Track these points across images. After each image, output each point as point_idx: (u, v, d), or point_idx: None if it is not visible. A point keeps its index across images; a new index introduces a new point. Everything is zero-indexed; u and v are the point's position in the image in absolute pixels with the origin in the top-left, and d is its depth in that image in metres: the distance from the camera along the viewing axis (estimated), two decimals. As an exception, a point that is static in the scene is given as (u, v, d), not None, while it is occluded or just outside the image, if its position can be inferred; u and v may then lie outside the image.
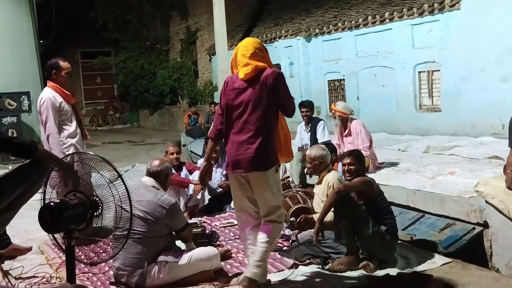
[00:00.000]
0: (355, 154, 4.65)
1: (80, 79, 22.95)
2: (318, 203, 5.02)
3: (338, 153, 6.48)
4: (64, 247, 3.01)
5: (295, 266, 4.30)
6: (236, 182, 3.93)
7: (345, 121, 6.74)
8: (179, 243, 4.35)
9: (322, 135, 7.18)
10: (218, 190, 6.74)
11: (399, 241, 4.60)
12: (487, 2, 8.55)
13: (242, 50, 3.90)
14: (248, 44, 3.95)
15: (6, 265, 4.41)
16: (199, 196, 6.29)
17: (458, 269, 4.22)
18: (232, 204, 6.27)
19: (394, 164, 6.90)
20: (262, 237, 3.78)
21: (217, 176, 6.78)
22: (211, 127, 4.14)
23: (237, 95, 3.82)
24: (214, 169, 6.79)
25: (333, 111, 6.90)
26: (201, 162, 7.00)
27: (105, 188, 3.10)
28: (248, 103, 3.78)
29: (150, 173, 4.22)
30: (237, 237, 5.25)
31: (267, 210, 3.86)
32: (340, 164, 6.28)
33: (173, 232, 4.12)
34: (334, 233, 4.35)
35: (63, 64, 5.05)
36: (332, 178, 4.92)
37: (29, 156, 3.53)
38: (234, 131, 3.83)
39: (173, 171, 6.24)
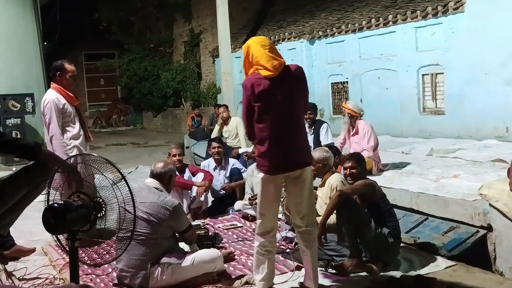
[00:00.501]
0: (356, 157, 4.64)
1: (83, 81, 23.02)
2: (321, 206, 5.01)
3: (341, 155, 6.49)
4: (67, 249, 3.01)
5: (298, 268, 4.29)
6: (273, 186, 3.74)
7: (354, 119, 6.75)
8: (182, 244, 4.36)
9: (325, 138, 7.19)
10: (221, 192, 6.75)
11: (402, 244, 4.59)
12: (491, 5, 8.54)
13: (259, 47, 3.71)
14: (263, 40, 3.79)
15: (10, 266, 4.42)
16: (202, 198, 6.29)
17: (462, 272, 4.21)
18: (235, 206, 6.29)
19: (397, 166, 6.89)
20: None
21: (220, 178, 6.79)
22: (247, 133, 3.86)
23: (269, 95, 3.64)
24: (217, 171, 6.80)
25: (343, 109, 6.90)
26: (204, 164, 7.02)
27: (109, 190, 3.10)
28: (284, 100, 3.67)
29: (153, 175, 4.23)
30: (240, 239, 5.26)
31: (310, 209, 3.88)
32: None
33: (177, 234, 4.12)
34: (337, 236, 4.34)
35: (68, 66, 5.07)
36: (335, 180, 4.91)
37: (33, 157, 3.53)
38: (275, 132, 3.65)
39: (177, 173, 6.26)
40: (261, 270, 3.79)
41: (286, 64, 3.73)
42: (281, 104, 3.66)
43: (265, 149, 3.67)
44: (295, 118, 3.77)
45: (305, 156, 3.81)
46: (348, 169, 4.52)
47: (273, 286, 3.92)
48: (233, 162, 7.00)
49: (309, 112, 7.30)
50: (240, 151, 8.67)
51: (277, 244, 4.82)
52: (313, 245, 3.85)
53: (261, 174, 3.73)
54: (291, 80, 3.74)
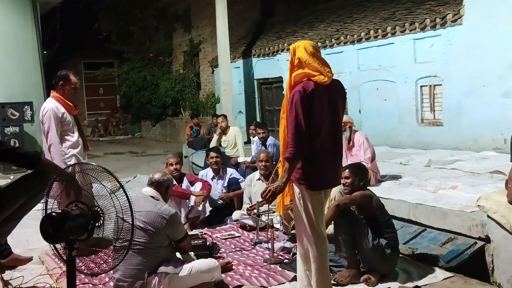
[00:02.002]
0: (352, 167, 4.63)
1: (83, 90, 23.06)
2: (319, 216, 5.01)
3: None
4: (65, 258, 3.00)
5: (296, 279, 4.28)
6: (320, 199, 3.61)
7: (352, 132, 6.75)
8: (178, 254, 4.34)
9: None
10: (219, 202, 6.74)
11: (400, 255, 4.59)
12: (489, 18, 8.60)
13: (311, 49, 3.54)
14: (314, 43, 3.64)
15: (7, 274, 4.41)
16: (200, 208, 6.29)
17: (460, 283, 4.21)
18: (233, 216, 6.28)
19: (395, 177, 6.89)
20: None
21: (218, 188, 6.79)
22: (293, 148, 3.40)
23: (323, 105, 3.47)
24: (215, 181, 6.81)
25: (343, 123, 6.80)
26: (202, 173, 7.02)
27: (107, 199, 3.10)
28: (333, 112, 3.56)
29: (151, 183, 4.24)
30: (238, 249, 5.25)
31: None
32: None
33: (173, 243, 4.12)
34: (335, 246, 4.34)
35: (73, 78, 5.14)
36: (333, 190, 4.90)
37: (32, 166, 3.54)
38: (327, 144, 3.52)
39: (174, 182, 6.25)
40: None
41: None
42: (330, 116, 3.55)
43: (312, 164, 3.49)
44: (339, 132, 3.70)
45: (339, 175, 3.88)
46: (343, 179, 4.52)
47: None
48: (231, 172, 7.01)
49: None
50: (239, 160, 8.69)
51: (275, 254, 4.83)
52: None
53: (306, 191, 3.53)
54: (336, 91, 3.62)
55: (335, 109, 3.60)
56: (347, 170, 4.54)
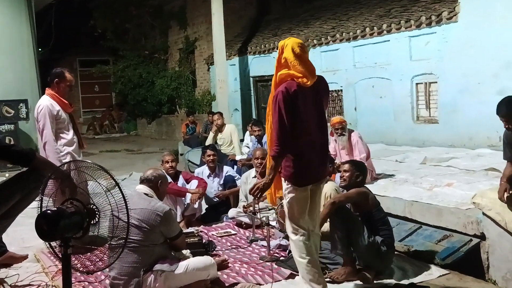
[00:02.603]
0: (352, 162, 4.70)
1: (78, 87, 22.99)
2: (315, 214, 5.01)
3: (335, 163, 6.49)
4: (60, 255, 3.00)
5: (292, 276, 4.29)
6: (307, 196, 3.69)
7: (348, 131, 6.75)
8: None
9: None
10: (215, 200, 6.74)
11: (396, 252, 4.60)
12: (485, 16, 8.61)
13: (298, 50, 3.58)
14: (301, 43, 3.66)
15: (2, 273, 4.40)
16: (196, 205, 6.28)
17: (455, 281, 4.22)
18: (229, 214, 6.28)
19: (391, 175, 6.90)
20: None
21: (214, 185, 6.79)
22: (277, 147, 3.50)
23: (308, 105, 3.57)
24: (211, 178, 6.80)
25: (340, 125, 6.69)
26: (198, 171, 7.02)
27: (102, 197, 3.09)
28: (317, 111, 3.66)
29: (143, 180, 4.23)
30: (234, 246, 5.25)
31: (314, 221, 3.85)
32: (337, 175, 6.31)
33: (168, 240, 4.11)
34: (330, 244, 4.35)
35: (68, 75, 5.12)
36: (329, 188, 4.92)
37: (27, 164, 3.53)
38: (314, 142, 3.63)
39: (170, 180, 6.25)
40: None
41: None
42: (316, 113, 3.64)
43: (299, 163, 3.57)
44: (325, 127, 3.78)
45: (326, 167, 3.97)
46: (342, 172, 4.55)
47: None
48: (227, 170, 7.00)
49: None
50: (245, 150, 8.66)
51: (271, 252, 4.83)
52: None
53: (292, 187, 3.61)
54: (320, 88, 3.70)
55: (321, 106, 3.72)
56: (347, 164, 4.58)
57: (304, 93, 3.53)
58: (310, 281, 3.66)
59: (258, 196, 3.65)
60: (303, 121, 3.56)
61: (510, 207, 4.22)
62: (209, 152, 6.84)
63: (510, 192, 4.19)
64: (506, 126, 4.20)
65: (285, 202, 3.71)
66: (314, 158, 3.65)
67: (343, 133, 6.67)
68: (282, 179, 3.69)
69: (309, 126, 3.60)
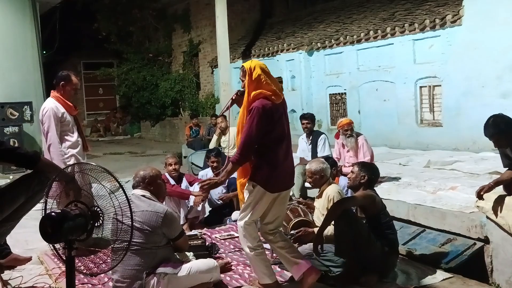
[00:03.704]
0: (360, 164, 4.73)
1: (82, 90, 23.02)
2: (318, 217, 5.02)
3: (338, 166, 6.50)
4: (64, 258, 3.00)
5: (293, 279, 4.28)
6: (270, 201, 3.95)
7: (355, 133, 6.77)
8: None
9: (322, 150, 7.18)
10: (218, 202, 6.74)
11: (399, 256, 4.58)
12: (488, 19, 8.61)
13: (266, 72, 3.92)
14: (264, 65, 3.98)
15: (6, 274, 4.40)
16: (199, 208, 6.28)
17: (459, 284, 4.21)
18: (232, 216, 6.28)
19: (395, 178, 6.90)
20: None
21: (218, 188, 6.77)
22: (238, 155, 3.80)
23: (281, 120, 3.91)
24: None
25: (348, 126, 6.73)
26: (202, 174, 7.02)
27: (106, 199, 3.09)
28: (286, 125, 3.99)
29: (135, 185, 4.18)
30: (237, 249, 5.25)
31: (281, 223, 4.20)
32: (341, 178, 6.31)
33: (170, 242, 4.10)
34: (334, 247, 4.34)
35: (74, 79, 5.15)
36: (332, 191, 4.91)
37: (31, 166, 3.54)
38: (283, 153, 3.92)
39: (173, 182, 6.26)
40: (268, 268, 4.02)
41: None
42: (286, 128, 3.98)
43: (276, 171, 3.86)
44: (290, 138, 4.06)
45: (293, 176, 4.24)
46: (350, 173, 4.63)
47: None
48: (231, 172, 7.00)
49: (306, 122, 7.32)
50: None
51: (274, 255, 4.82)
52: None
53: (262, 192, 3.87)
54: (284, 104, 4.04)
55: (287, 120, 4.05)
56: (355, 166, 4.62)
57: (276, 109, 3.85)
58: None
59: (205, 188, 4.07)
60: (279, 131, 3.88)
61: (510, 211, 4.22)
62: (212, 158, 6.83)
63: (485, 193, 4.31)
64: (496, 146, 4.23)
65: (247, 202, 3.94)
66: (285, 167, 3.96)
67: (352, 134, 6.70)
68: (251, 183, 3.90)
69: (283, 138, 3.92)
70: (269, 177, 3.85)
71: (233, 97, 4.41)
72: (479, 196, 4.33)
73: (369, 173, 4.50)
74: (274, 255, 4.84)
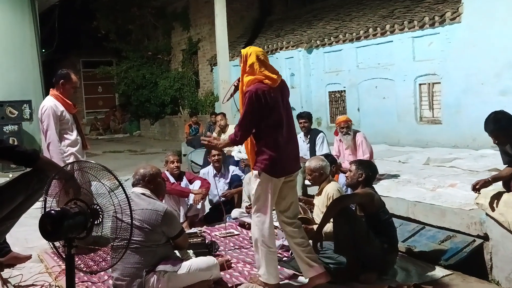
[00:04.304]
0: (358, 162, 4.72)
1: (81, 88, 23.02)
2: (317, 214, 5.02)
3: (337, 164, 6.50)
4: (64, 256, 3.00)
5: (294, 277, 4.29)
6: (278, 187, 3.96)
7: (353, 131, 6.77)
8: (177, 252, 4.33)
9: (320, 148, 7.16)
10: (221, 199, 6.74)
11: (399, 253, 4.59)
12: (488, 16, 8.61)
13: (261, 56, 3.93)
14: (262, 51, 4.01)
15: (6, 273, 4.41)
16: (199, 206, 6.29)
17: (459, 281, 4.21)
18: (232, 214, 6.28)
19: (394, 176, 6.90)
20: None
21: (220, 185, 6.78)
22: (235, 137, 3.92)
23: (277, 104, 3.89)
24: (217, 178, 6.80)
25: (345, 124, 6.74)
26: (203, 171, 7.01)
27: (106, 197, 3.09)
28: (285, 108, 3.97)
29: (135, 183, 4.17)
30: (237, 247, 5.25)
31: (297, 210, 4.20)
32: (340, 175, 6.31)
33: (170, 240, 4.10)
34: (334, 244, 4.34)
35: (74, 77, 5.17)
36: (331, 189, 4.92)
37: (30, 164, 3.53)
38: (283, 138, 3.91)
39: (173, 180, 6.26)
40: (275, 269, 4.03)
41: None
42: (285, 112, 3.95)
43: (277, 155, 3.86)
44: (293, 124, 4.08)
45: (299, 160, 4.24)
46: (348, 172, 4.62)
47: None
48: (233, 169, 7.01)
49: (304, 121, 7.32)
50: (233, 154, 8.53)
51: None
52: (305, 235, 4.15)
53: (267, 177, 3.86)
54: (284, 89, 4.04)
55: (287, 104, 4.05)
56: (352, 164, 4.61)
57: (271, 93, 3.85)
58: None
59: (205, 144, 4.21)
60: (275, 117, 3.87)
61: (510, 208, 4.23)
62: (214, 152, 6.85)
63: (481, 187, 4.33)
64: (495, 142, 4.24)
65: (257, 193, 3.92)
66: (288, 151, 3.95)
67: (348, 132, 6.69)
68: (255, 173, 3.92)
69: (281, 122, 3.91)
70: (272, 162, 3.85)
71: (235, 84, 4.41)
72: (475, 189, 4.35)
73: (367, 171, 4.50)
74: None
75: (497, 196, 4.41)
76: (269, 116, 3.84)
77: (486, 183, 4.32)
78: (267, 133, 3.88)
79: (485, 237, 4.59)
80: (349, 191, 5.23)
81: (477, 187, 4.34)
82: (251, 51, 3.93)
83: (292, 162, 4.02)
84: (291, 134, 4.02)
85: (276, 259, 4.07)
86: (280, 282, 4.17)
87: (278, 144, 3.87)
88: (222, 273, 4.32)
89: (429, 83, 9.91)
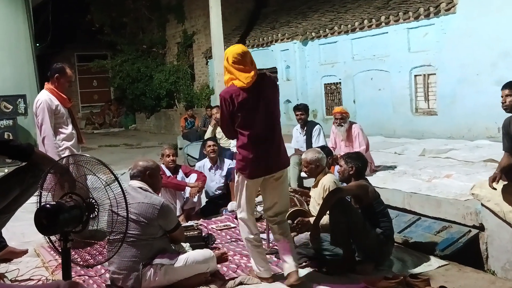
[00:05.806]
0: (345, 156, 4.71)
1: (76, 82, 22.89)
2: (314, 206, 5.03)
3: (334, 156, 6.50)
4: (60, 250, 3.00)
5: (291, 268, 4.29)
6: (254, 187, 4.00)
7: (349, 122, 6.76)
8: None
9: (316, 140, 7.16)
10: (216, 192, 6.74)
11: (395, 244, 4.60)
12: (482, 6, 8.60)
13: (232, 58, 3.91)
14: (237, 49, 3.99)
15: (2, 267, 4.40)
16: (195, 199, 6.29)
17: (454, 271, 4.23)
18: (228, 207, 6.29)
19: (390, 167, 6.92)
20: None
21: (216, 178, 6.78)
22: (226, 135, 4.25)
23: (247, 104, 3.85)
24: (213, 171, 6.80)
25: (341, 115, 6.74)
26: (199, 165, 7.01)
27: (101, 191, 3.09)
28: (261, 107, 3.89)
29: (132, 175, 4.16)
30: (234, 239, 5.26)
31: (285, 207, 4.16)
32: (336, 167, 6.32)
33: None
34: (330, 236, 4.35)
35: (69, 71, 5.14)
36: (328, 181, 4.93)
37: (25, 159, 3.53)
38: (258, 138, 3.88)
39: (169, 174, 6.25)
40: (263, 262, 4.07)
41: (259, 71, 3.96)
42: (263, 110, 3.88)
43: (249, 156, 3.88)
44: (274, 123, 3.99)
45: (284, 159, 4.07)
46: (339, 167, 4.62)
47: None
48: (229, 162, 7.00)
49: (300, 113, 7.31)
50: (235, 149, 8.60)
51: (270, 245, 4.84)
52: (289, 232, 4.17)
53: (242, 178, 3.94)
54: (264, 87, 3.93)
55: (267, 102, 3.94)
56: (341, 160, 4.62)
57: (244, 93, 3.83)
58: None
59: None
60: (246, 117, 3.86)
61: (505, 198, 4.23)
62: (209, 143, 6.85)
63: (499, 182, 4.21)
64: (503, 101, 4.20)
65: (236, 190, 4.04)
66: (263, 151, 3.89)
67: (342, 123, 6.68)
68: (235, 171, 4.02)
69: (254, 122, 3.87)
70: (245, 163, 3.90)
71: None
72: (492, 187, 4.26)
73: (356, 163, 4.51)
74: (270, 244, 4.86)
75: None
76: (239, 117, 3.86)
77: (500, 177, 4.21)
78: (240, 134, 3.92)
79: (481, 227, 4.61)
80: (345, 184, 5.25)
81: (493, 184, 4.26)
82: (228, 55, 3.94)
83: (270, 161, 3.92)
84: (271, 132, 3.94)
85: (263, 252, 4.11)
86: (277, 274, 4.18)
87: (250, 144, 3.87)
88: (219, 265, 4.33)
89: (424, 74, 9.91)
